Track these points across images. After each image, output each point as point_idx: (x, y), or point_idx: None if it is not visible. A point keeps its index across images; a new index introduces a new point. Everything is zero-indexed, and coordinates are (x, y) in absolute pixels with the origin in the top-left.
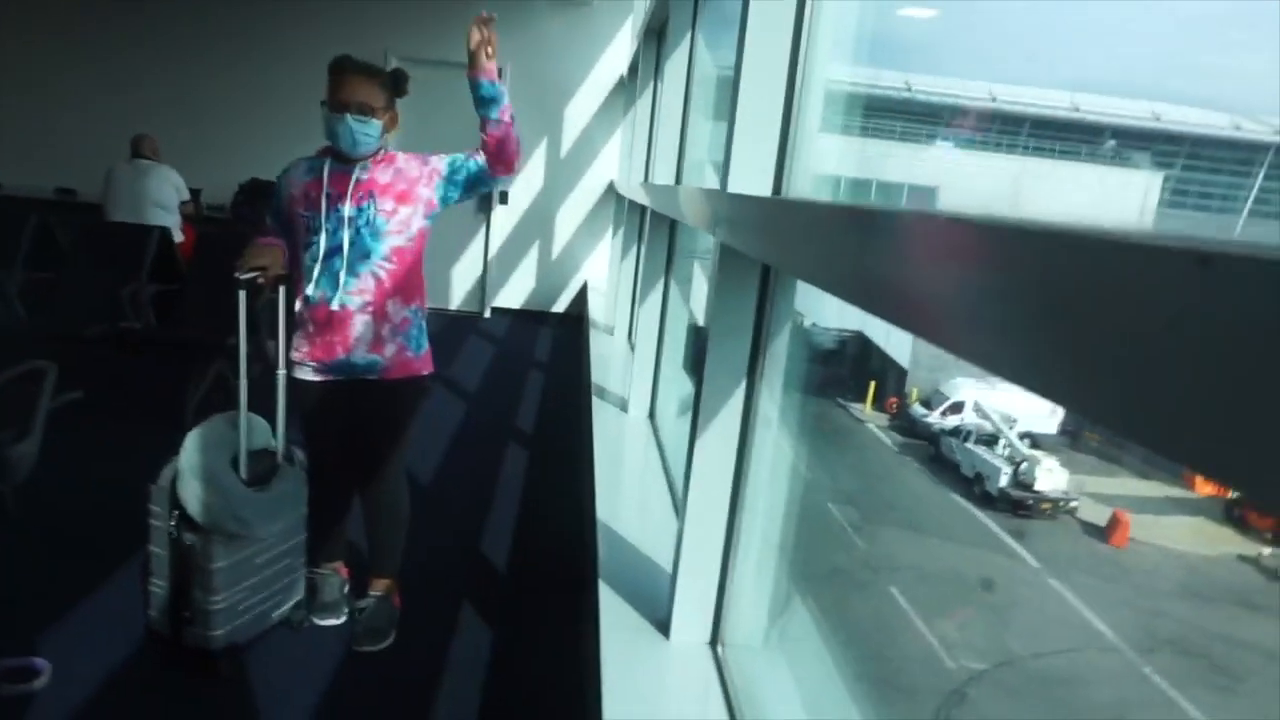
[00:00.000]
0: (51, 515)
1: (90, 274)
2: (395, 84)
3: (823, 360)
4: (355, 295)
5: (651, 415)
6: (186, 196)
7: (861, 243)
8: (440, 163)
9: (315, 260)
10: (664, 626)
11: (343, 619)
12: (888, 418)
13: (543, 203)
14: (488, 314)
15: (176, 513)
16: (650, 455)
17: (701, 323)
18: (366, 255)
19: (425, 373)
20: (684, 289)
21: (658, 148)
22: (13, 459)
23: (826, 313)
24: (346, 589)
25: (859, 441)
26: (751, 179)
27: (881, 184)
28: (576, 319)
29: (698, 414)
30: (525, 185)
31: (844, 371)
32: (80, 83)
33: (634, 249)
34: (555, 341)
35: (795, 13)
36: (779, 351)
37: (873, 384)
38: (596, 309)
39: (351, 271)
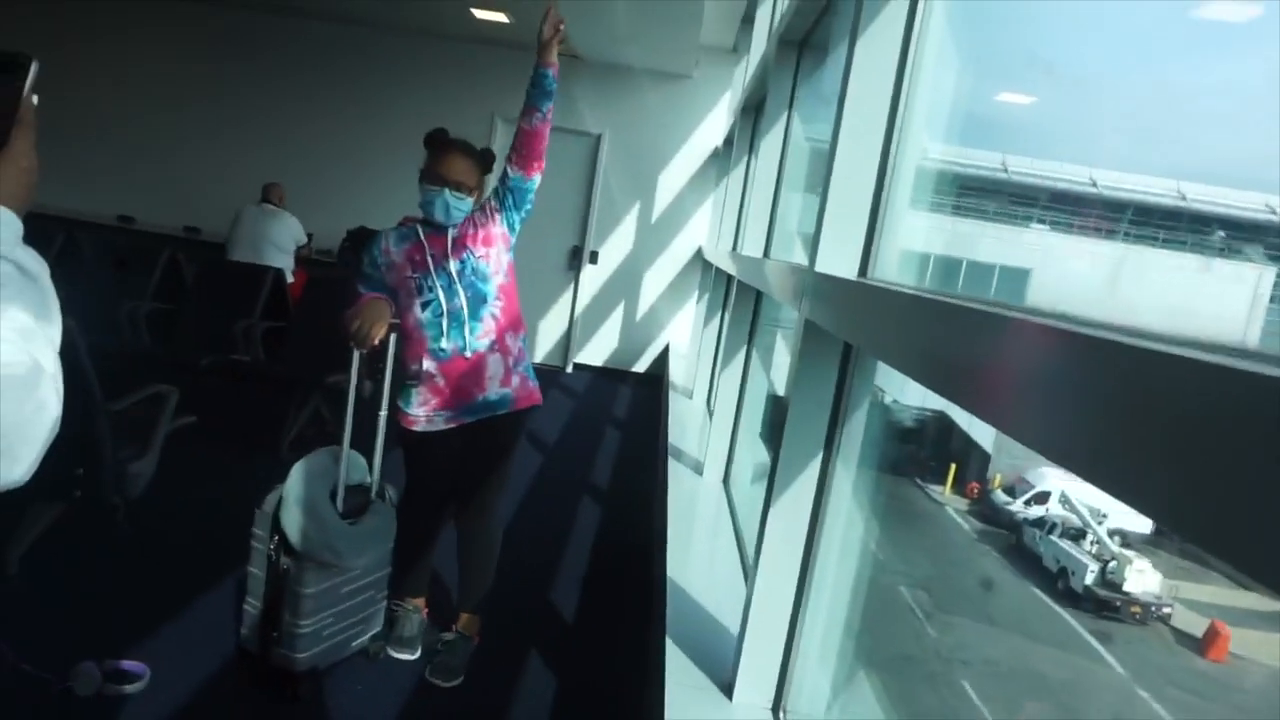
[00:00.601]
0: (160, 529)
1: (209, 308)
2: (485, 162)
3: (901, 438)
4: (483, 338)
5: (726, 480)
6: (304, 241)
7: (944, 332)
8: (491, 200)
9: (439, 317)
10: (727, 688)
11: (416, 655)
12: (967, 502)
13: (631, 264)
14: (570, 369)
15: (276, 537)
16: (722, 519)
17: (781, 393)
18: (483, 300)
19: (539, 401)
20: (765, 358)
21: (748, 219)
22: (131, 474)
23: (909, 391)
24: (424, 627)
25: (936, 525)
26: (839, 258)
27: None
28: (656, 379)
29: (773, 483)
30: (615, 246)
31: (923, 451)
32: (211, 130)
33: (718, 315)
34: (634, 400)
35: (892, 94)
36: (856, 428)
37: (953, 466)
38: (677, 371)
39: (475, 317)
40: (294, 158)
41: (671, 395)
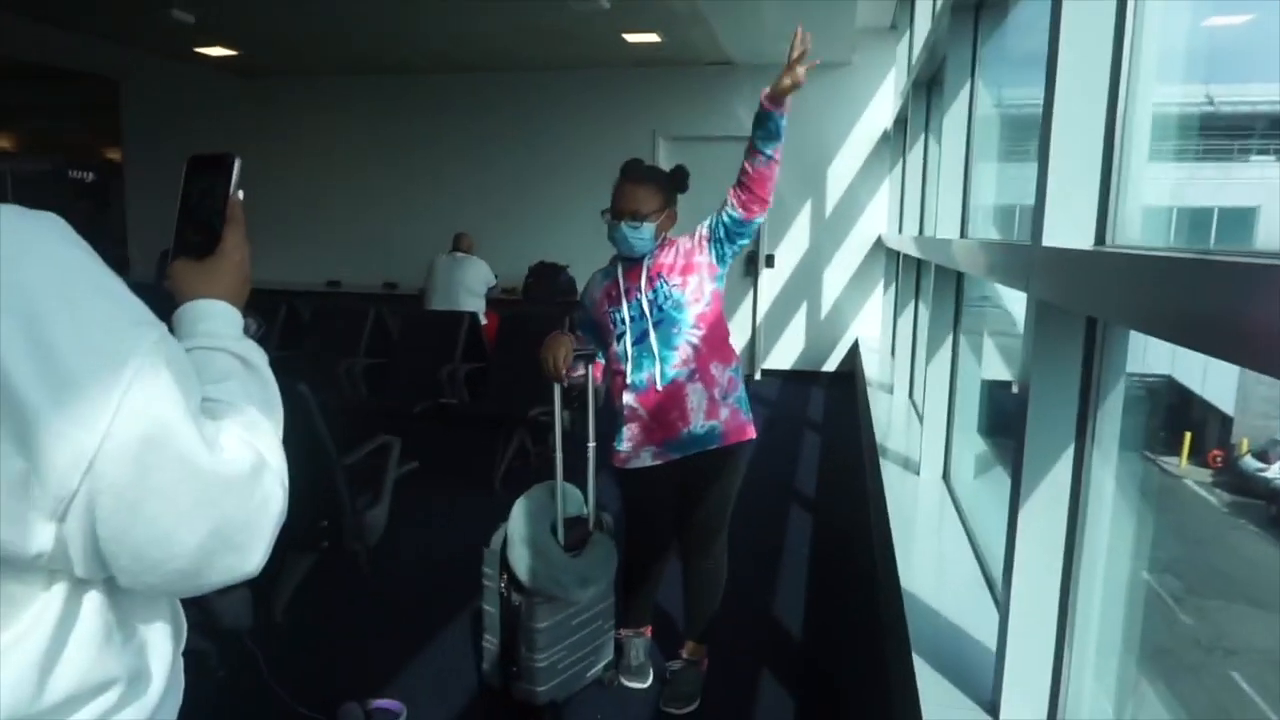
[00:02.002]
0: (398, 572)
1: (415, 356)
2: (674, 183)
3: (1123, 410)
4: (679, 366)
5: (945, 477)
6: (493, 282)
7: (1210, 289)
8: (703, 228)
9: (627, 347)
10: (991, 708)
11: (648, 683)
12: (1210, 473)
13: (809, 262)
14: (758, 376)
15: (505, 575)
16: (948, 518)
17: (1000, 378)
18: (677, 327)
19: (753, 436)
20: (974, 344)
21: (937, 200)
22: (369, 522)
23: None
24: (651, 653)
25: (1174, 500)
26: (1069, 228)
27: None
28: (848, 377)
29: (1019, 479)
30: (791, 246)
31: (1150, 422)
32: (396, 190)
33: (911, 304)
34: (829, 401)
35: (1114, 36)
36: (1113, 409)
37: (1188, 435)
38: (870, 366)
39: (668, 346)
40: (473, 204)
41: (869, 391)
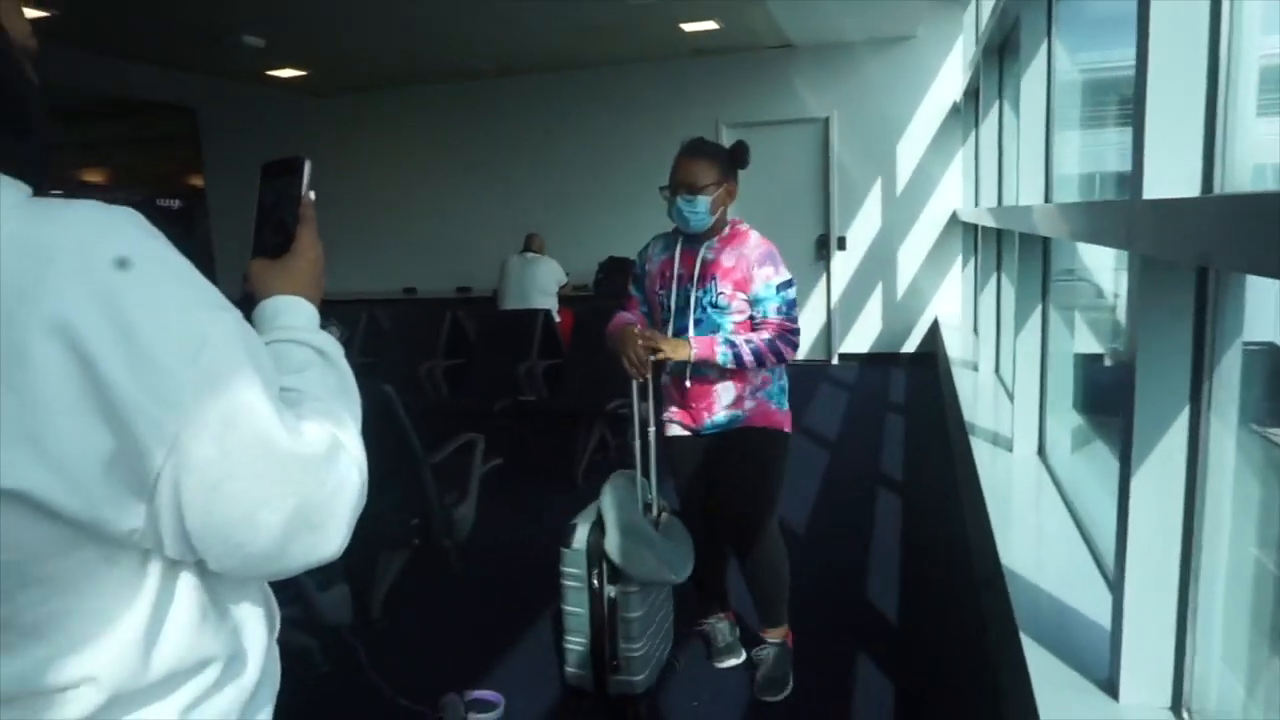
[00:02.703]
0: (488, 566)
1: (493, 356)
2: (733, 158)
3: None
4: (710, 369)
5: (1041, 452)
6: (564, 280)
7: None
8: (758, 283)
9: (669, 333)
10: (1109, 687)
11: (741, 658)
12: None
13: (882, 242)
14: (835, 360)
15: (596, 570)
16: (1046, 495)
17: (1092, 350)
18: (716, 330)
19: (785, 429)
20: (1064, 315)
21: (1018, 168)
22: (458, 518)
23: None
24: (738, 631)
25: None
26: (1173, 180)
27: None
28: (929, 357)
29: (1130, 451)
30: (863, 226)
31: (1255, 391)
32: (467, 195)
33: (993, 277)
34: (910, 382)
35: None
36: (1230, 368)
37: None
38: (952, 344)
39: None
40: (542, 205)
41: (954, 370)
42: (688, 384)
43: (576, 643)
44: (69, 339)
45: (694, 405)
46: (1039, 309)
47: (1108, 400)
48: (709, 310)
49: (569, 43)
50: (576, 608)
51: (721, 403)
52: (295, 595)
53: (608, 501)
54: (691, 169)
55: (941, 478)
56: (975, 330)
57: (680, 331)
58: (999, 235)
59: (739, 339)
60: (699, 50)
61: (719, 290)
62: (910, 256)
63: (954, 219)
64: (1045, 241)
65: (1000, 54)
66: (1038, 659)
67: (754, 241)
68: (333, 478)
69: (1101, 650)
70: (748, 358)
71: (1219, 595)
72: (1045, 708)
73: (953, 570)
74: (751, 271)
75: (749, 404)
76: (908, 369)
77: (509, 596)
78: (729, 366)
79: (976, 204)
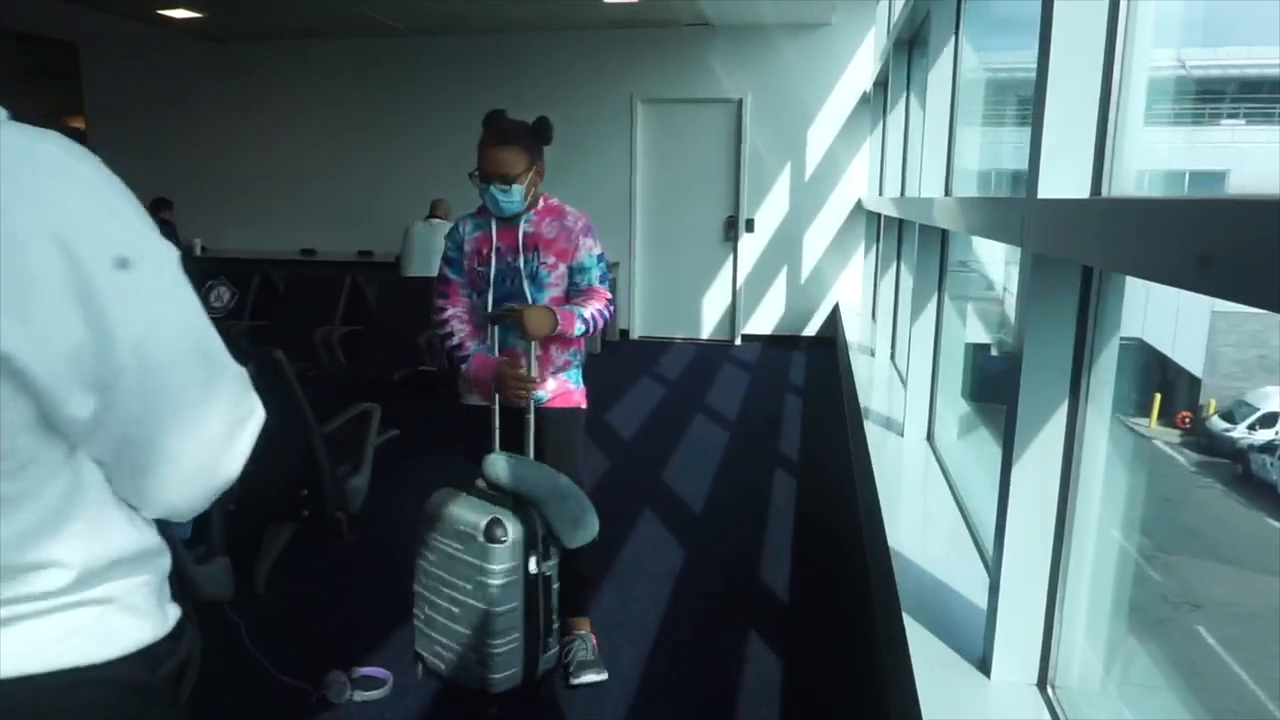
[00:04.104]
0: (381, 539)
1: (393, 324)
2: (537, 136)
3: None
4: (521, 342)
5: (930, 438)
6: None
7: (1215, 232)
8: (583, 253)
9: (488, 304)
10: (983, 665)
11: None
12: (1179, 434)
13: (789, 226)
14: (739, 341)
15: (533, 554)
16: (933, 479)
17: (981, 341)
18: (532, 303)
19: (582, 405)
20: (955, 308)
21: (921, 160)
22: (350, 490)
23: None
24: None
25: (1143, 460)
26: (1065, 180)
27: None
28: (829, 341)
29: (1013, 438)
30: (771, 210)
31: (1122, 384)
32: (369, 156)
33: (893, 266)
34: (810, 365)
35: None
36: (1108, 364)
37: (1158, 397)
38: (851, 329)
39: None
40: (449, 170)
41: (851, 355)
42: (495, 352)
43: (503, 644)
44: (63, 239)
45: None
46: (934, 299)
47: (993, 389)
48: (528, 285)
49: (485, 6)
50: (507, 604)
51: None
52: (172, 566)
53: (515, 478)
54: (502, 160)
55: (837, 460)
56: (873, 317)
57: (501, 300)
58: (900, 225)
59: (589, 310)
60: (618, 23)
61: (541, 260)
62: (816, 241)
63: (859, 206)
64: (944, 234)
65: (910, 47)
66: (918, 638)
67: (573, 214)
68: (249, 401)
69: (977, 629)
70: (593, 328)
71: (1085, 577)
72: (923, 684)
73: (844, 551)
74: (577, 241)
75: (550, 384)
76: (808, 352)
77: (405, 570)
78: (574, 336)
79: (881, 193)
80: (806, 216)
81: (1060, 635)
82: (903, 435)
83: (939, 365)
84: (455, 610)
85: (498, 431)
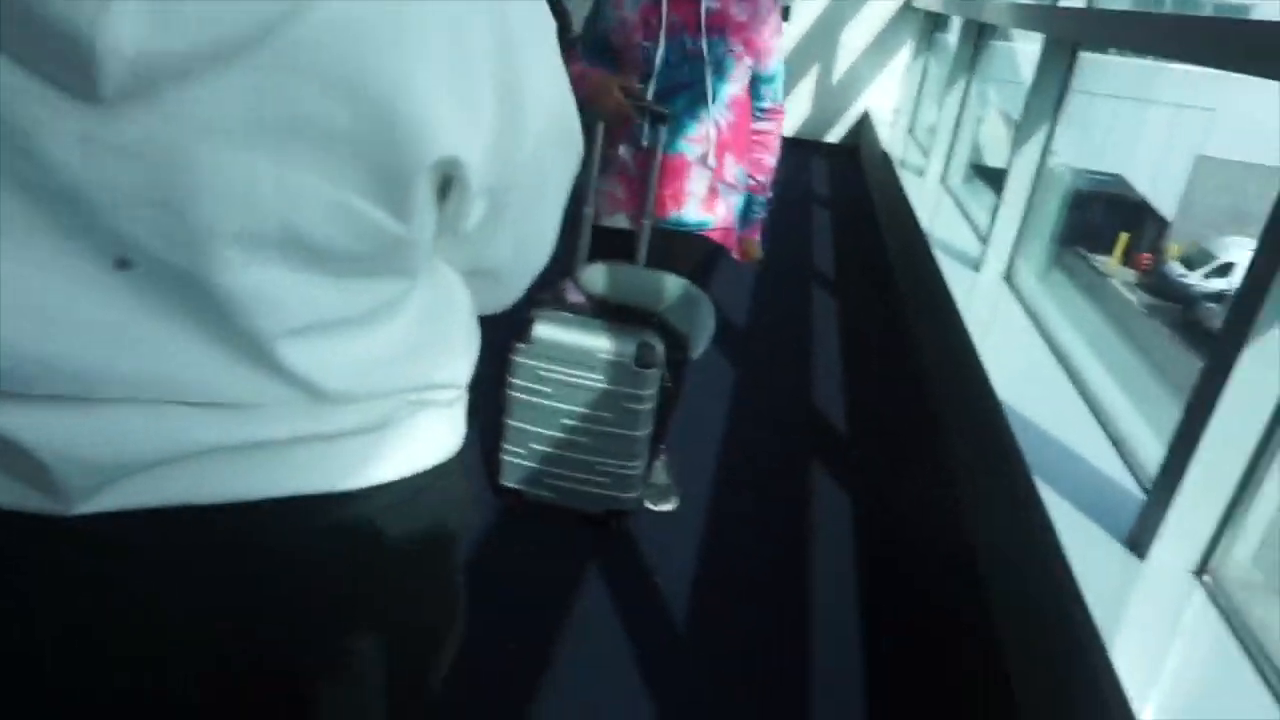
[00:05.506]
0: None
1: None
2: None
3: (1071, 206)
4: (693, 142)
5: (1008, 277)
6: None
7: None
8: (775, 57)
9: (649, 94)
10: (1134, 544)
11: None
12: (1136, 275)
13: (828, 19)
14: None
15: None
16: (1022, 326)
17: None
18: (711, 97)
19: (732, 249)
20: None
21: None
22: None
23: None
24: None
25: (1098, 298)
26: None
27: None
28: (851, 151)
29: (1245, 321)
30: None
31: (1094, 219)
32: None
33: (963, 80)
34: (834, 175)
35: None
36: None
37: (1124, 236)
38: (894, 143)
39: (691, 114)
40: None
41: (898, 172)
42: (667, 153)
43: (639, 464)
44: (501, 16)
45: (659, 192)
46: (1047, 124)
47: (1082, 231)
48: (709, 72)
49: None
50: (649, 426)
51: (693, 194)
52: None
53: (631, 290)
54: None
55: (882, 284)
56: (911, 131)
57: (669, 91)
58: (979, 33)
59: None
60: None
61: (729, 47)
62: (853, 40)
63: (908, 5)
64: (1072, 54)
65: None
66: (1057, 507)
67: (765, 1)
68: None
69: (1117, 504)
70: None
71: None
72: (1078, 563)
73: (901, 381)
74: (769, 42)
75: (720, 209)
76: (829, 159)
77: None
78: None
79: None
80: (848, 11)
81: (1238, 525)
82: (977, 270)
83: (1036, 201)
84: (585, 441)
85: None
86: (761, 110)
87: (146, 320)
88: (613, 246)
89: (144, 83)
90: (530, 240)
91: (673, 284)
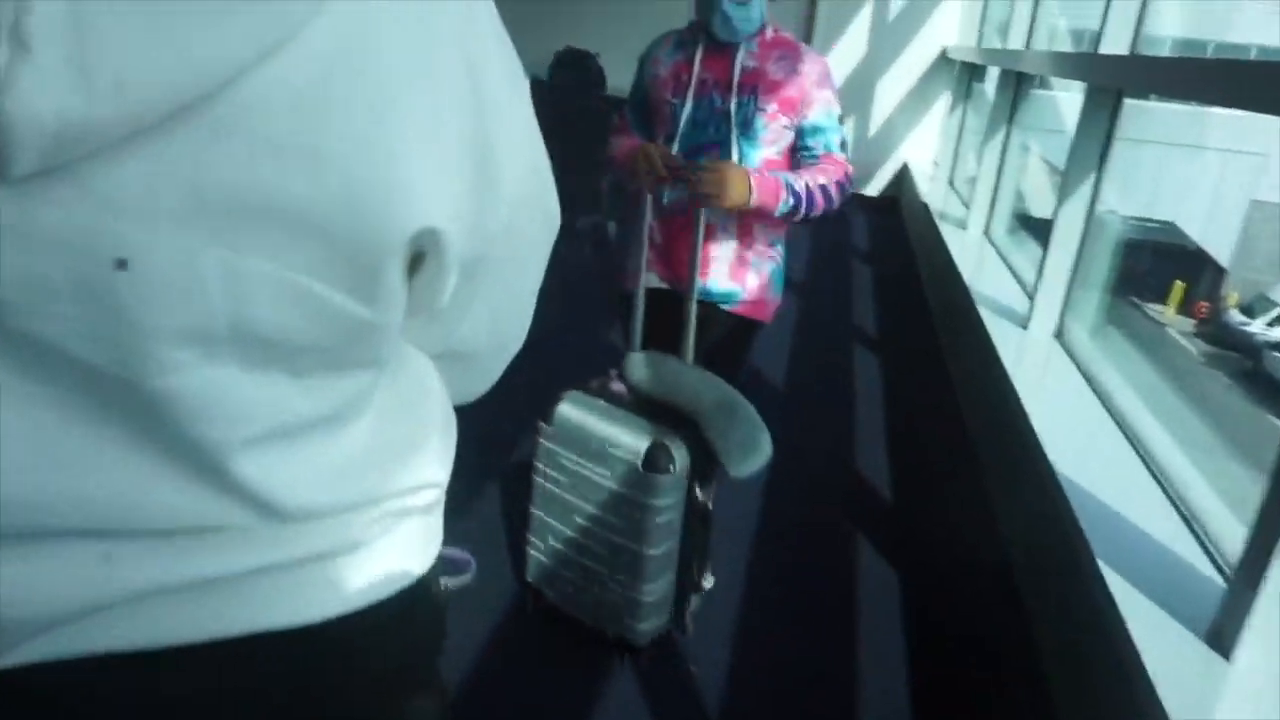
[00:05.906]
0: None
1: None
2: None
3: (1122, 254)
4: (721, 215)
5: (1059, 335)
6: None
7: None
8: (819, 108)
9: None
10: (1216, 640)
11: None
12: (1194, 323)
13: (863, 72)
14: None
15: (696, 483)
16: (1078, 388)
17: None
18: (738, 160)
19: (766, 322)
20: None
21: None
22: None
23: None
24: None
25: (1155, 347)
26: None
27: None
28: (891, 203)
29: None
30: (845, 51)
31: (1144, 267)
32: None
33: (1003, 131)
34: (874, 230)
35: None
36: None
37: (1179, 284)
38: (933, 196)
39: None
40: None
41: (940, 225)
42: (701, 224)
43: (655, 590)
44: (474, 72)
45: (683, 257)
46: (1093, 175)
47: (1132, 281)
48: (738, 134)
49: None
50: (664, 544)
51: (719, 259)
52: None
53: (670, 386)
54: None
55: (925, 342)
56: (951, 183)
57: (695, 150)
58: (1018, 83)
59: (806, 180)
60: None
61: (759, 106)
62: (890, 92)
63: (943, 58)
64: (1117, 100)
65: None
66: (1126, 596)
67: (809, 56)
68: None
69: (1193, 593)
70: (816, 205)
71: None
72: (1152, 661)
73: (949, 449)
74: (810, 92)
75: (751, 279)
76: (868, 214)
77: (491, 449)
78: (778, 213)
79: (1004, 42)
80: (884, 62)
81: None
82: (1025, 329)
83: (1084, 253)
84: (594, 547)
85: (692, 333)
86: (809, 160)
87: (75, 435)
88: (659, 309)
89: (65, 157)
90: (506, 316)
91: (709, 388)
